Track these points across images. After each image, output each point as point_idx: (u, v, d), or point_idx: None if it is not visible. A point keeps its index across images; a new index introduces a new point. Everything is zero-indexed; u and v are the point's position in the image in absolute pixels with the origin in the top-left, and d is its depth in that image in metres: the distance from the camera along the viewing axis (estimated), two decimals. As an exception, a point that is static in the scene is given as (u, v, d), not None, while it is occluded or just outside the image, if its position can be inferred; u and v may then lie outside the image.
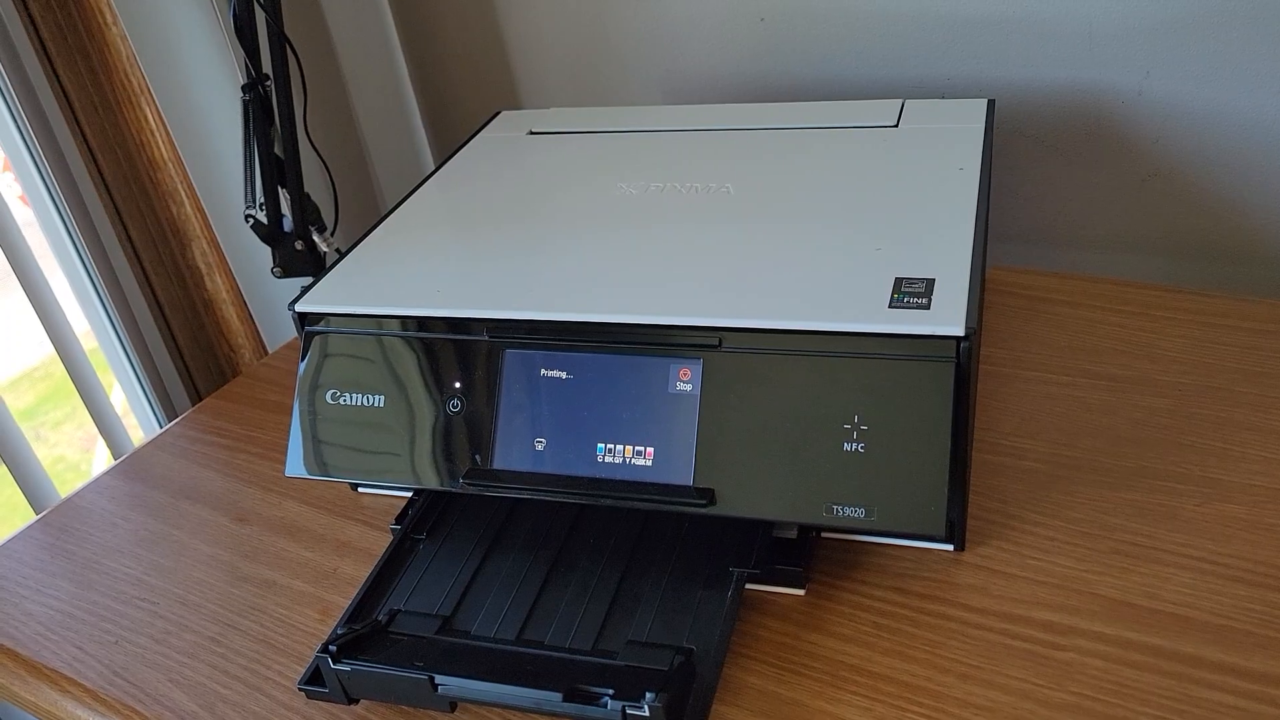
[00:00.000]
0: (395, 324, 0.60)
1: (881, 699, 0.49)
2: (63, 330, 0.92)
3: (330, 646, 0.50)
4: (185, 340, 1.03)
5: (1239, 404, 0.63)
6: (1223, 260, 0.81)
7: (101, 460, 0.75)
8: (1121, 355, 0.69)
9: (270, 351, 0.99)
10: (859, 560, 0.57)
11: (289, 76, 0.79)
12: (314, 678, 0.52)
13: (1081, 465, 0.60)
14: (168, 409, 1.02)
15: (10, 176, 0.91)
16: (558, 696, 0.47)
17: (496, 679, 0.48)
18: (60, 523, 0.70)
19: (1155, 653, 0.49)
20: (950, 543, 0.57)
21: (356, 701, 0.52)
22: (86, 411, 0.97)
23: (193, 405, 0.85)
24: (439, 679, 0.48)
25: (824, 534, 0.59)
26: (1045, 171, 0.84)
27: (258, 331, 1.03)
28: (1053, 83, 0.80)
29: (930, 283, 0.54)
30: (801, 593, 0.56)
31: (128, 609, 0.62)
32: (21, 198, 0.91)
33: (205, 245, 0.99)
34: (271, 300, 1.02)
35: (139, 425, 1.01)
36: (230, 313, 1.02)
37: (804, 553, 0.56)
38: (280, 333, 1.03)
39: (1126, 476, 0.59)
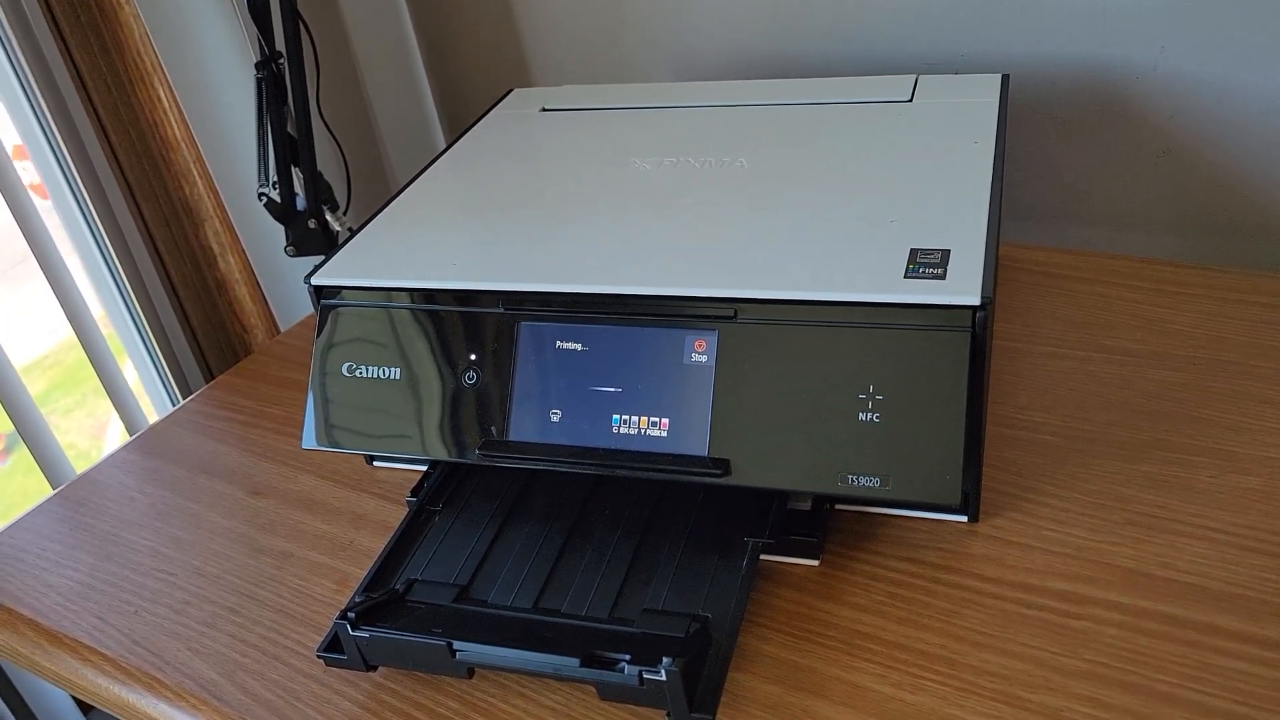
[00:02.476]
0: (411, 297, 0.60)
1: (897, 666, 0.50)
2: (79, 310, 0.93)
3: (349, 613, 0.50)
4: (198, 321, 1.03)
5: (1253, 378, 0.63)
6: (1237, 236, 0.81)
7: (112, 447, 0.76)
8: (1135, 330, 0.68)
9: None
10: (873, 532, 0.57)
11: (302, 54, 0.79)
12: (333, 645, 0.52)
13: (1096, 438, 0.61)
14: (182, 389, 1.02)
15: (26, 163, 0.91)
16: (575, 661, 0.47)
17: (514, 645, 0.48)
18: (78, 497, 0.71)
19: (1171, 621, 0.49)
20: (964, 514, 0.57)
21: (374, 668, 0.52)
22: (96, 400, 0.98)
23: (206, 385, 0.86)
24: (457, 645, 0.49)
25: (838, 506, 0.59)
26: (1058, 148, 0.84)
27: (270, 312, 1.03)
28: (1066, 58, 0.80)
29: (945, 253, 0.54)
30: (816, 563, 0.56)
31: (146, 580, 0.62)
32: (33, 186, 0.91)
33: (218, 225, 0.99)
34: (284, 281, 1.02)
35: (153, 406, 1.02)
36: (243, 293, 1.02)
37: (818, 524, 0.56)
38: (293, 313, 1.03)
39: (1141, 449, 0.59)
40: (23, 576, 0.64)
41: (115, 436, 1.10)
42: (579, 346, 0.57)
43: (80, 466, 0.91)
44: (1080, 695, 0.47)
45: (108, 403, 1.02)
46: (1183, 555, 0.53)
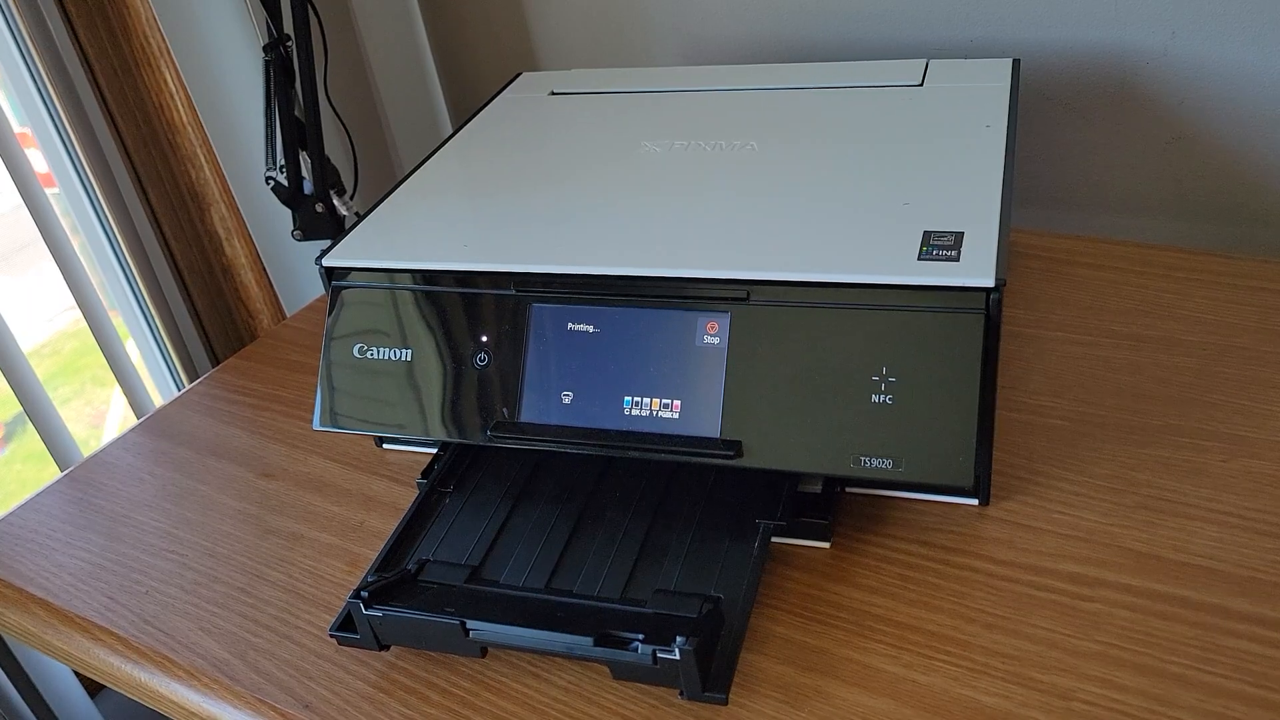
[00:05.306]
0: (422, 278, 0.60)
1: (908, 648, 0.50)
2: (87, 294, 0.93)
3: (362, 592, 0.50)
4: (204, 305, 1.03)
5: (1264, 363, 0.63)
6: (1247, 223, 0.80)
7: (111, 436, 0.76)
8: (1145, 316, 0.68)
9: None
10: (883, 515, 0.57)
11: (310, 38, 0.79)
12: (345, 624, 0.52)
13: (1106, 423, 0.61)
14: (188, 373, 1.02)
15: (34, 150, 0.91)
16: (589, 641, 0.47)
17: (528, 624, 0.49)
18: (87, 478, 0.71)
19: (1182, 603, 0.49)
20: (975, 497, 0.57)
21: (387, 648, 0.52)
22: (94, 389, 0.98)
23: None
24: (471, 624, 0.49)
25: (848, 489, 0.59)
26: (1068, 134, 0.84)
27: (276, 297, 1.03)
28: (1077, 44, 0.80)
29: (959, 236, 0.54)
30: (827, 546, 0.56)
31: (157, 560, 0.62)
32: (40, 175, 0.90)
33: (224, 210, 0.99)
34: (290, 266, 1.02)
35: (158, 391, 1.02)
36: (249, 278, 1.02)
37: (829, 506, 0.56)
38: (299, 298, 1.03)
39: (1152, 433, 0.59)
40: (33, 557, 0.64)
41: (114, 426, 1.10)
42: (591, 328, 0.57)
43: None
44: (1092, 676, 0.47)
45: (106, 392, 1.02)
46: (1194, 538, 0.53)
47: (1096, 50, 0.79)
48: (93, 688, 0.91)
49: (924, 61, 0.76)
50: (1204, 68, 0.76)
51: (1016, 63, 0.73)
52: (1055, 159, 0.85)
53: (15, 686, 0.81)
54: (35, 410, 0.88)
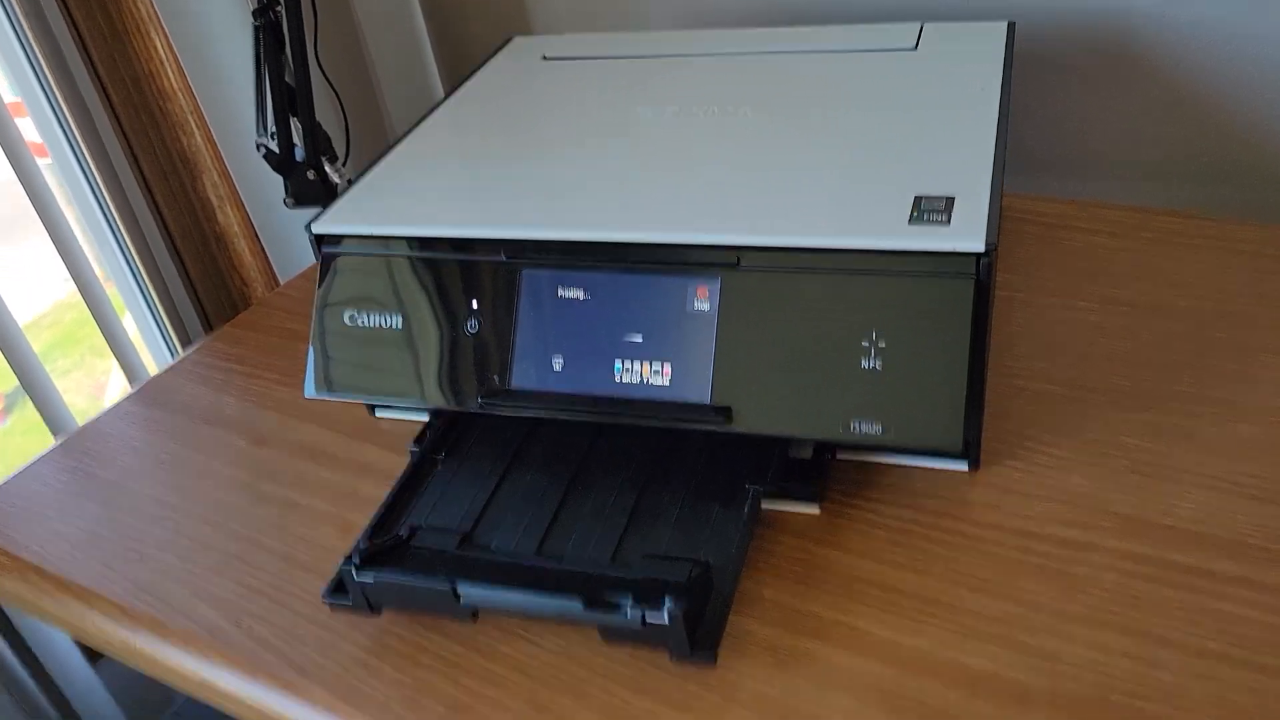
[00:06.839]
0: (413, 245, 0.60)
1: (896, 611, 0.50)
2: (80, 264, 0.92)
3: (354, 558, 0.51)
4: (197, 273, 1.03)
5: (1257, 328, 0.63)
6: (1243, 186, 0.80)
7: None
8: (1139, 281, 0.68)
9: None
10: (873, 480, 0.58)
11: (300, 2, 0.78)
12: (338, 588, 0.53)
13: (1097, 388, 0.61)
14: (183, 342, 1.02)
15: (25, 119, 0.90)
16: (578, 604, 0.47)
17: (518, 587, 0.49)
18: (82, 446, 0.71)
19: (1169, 567, 0.50)
20: (965, 461, 0.57)
21: (379, 612, 0.53)
22: (94, 359, 0.98)
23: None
24: (461, 588, 0.49)
25: (839, 455, 0.59)
26: (1064, 98, 0.83)
27: (269, 264, 1.03)
28: (1072, 6, 0.79)
29: (950, 200, 0.53)
30: (816, 510, 0.56)
31: (152, 528, 0.63)
32: (31, 144, 0.90)
33: (216, 177, 0.98)
34: (283, 233, 1.01)
35: (153, 360, 1.02)
36: (242, 246, 1.02)
37: (819, 471, 0.56)
38: (292, 266, 1.03)
39: (1143, 398, 0.59)
40: (29, 524, 0.65)
41: (114, 396, 1.11)
42: (581, 294, 0.57)
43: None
44: (1079, 639, 0.47)
45: (105, 363, 1.02)
46: (1183, 503, 0.53)
47: (1092, 12, 0.78)
48: (92, 654, 0.92)
49: (919, 25, 0.75)
50: (1202, 30, 0.75)
51: (1011, 25, 0.72)
52: (1050, 122, 0.85)
53: (15, 653, 0.82)
54: (32, 383, 0.88)
